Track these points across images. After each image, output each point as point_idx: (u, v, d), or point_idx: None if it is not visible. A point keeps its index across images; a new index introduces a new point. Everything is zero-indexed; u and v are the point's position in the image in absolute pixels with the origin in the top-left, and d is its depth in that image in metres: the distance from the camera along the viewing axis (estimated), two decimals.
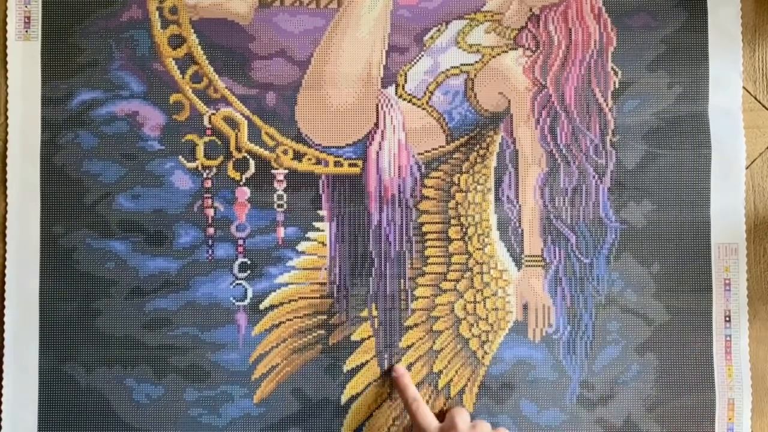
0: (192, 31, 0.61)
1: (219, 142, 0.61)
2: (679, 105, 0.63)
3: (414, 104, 0.62)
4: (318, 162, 0.62)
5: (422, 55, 0.62)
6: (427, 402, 0.62)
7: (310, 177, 0.62)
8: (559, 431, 0.61)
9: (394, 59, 0.62)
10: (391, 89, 0.62)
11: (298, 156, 0.62)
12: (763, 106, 0.64)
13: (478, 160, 0.62)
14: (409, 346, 0.62)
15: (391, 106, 0.62)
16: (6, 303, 0.60)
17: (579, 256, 0.62)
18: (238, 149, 0.61)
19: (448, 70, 0.62)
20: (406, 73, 0.62)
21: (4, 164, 0.60)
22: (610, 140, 0.62)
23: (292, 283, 0.61)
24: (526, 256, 0.62)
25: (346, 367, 0.61)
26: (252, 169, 0.61)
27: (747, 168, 0.63)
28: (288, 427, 0.61)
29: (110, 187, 0.61)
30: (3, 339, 0.60)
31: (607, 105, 0.62)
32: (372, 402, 0.61)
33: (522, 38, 0.63)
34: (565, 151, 0.62)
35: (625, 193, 0.62)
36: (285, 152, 0.62)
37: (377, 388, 0.61)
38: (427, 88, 0.62)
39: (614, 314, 0.62)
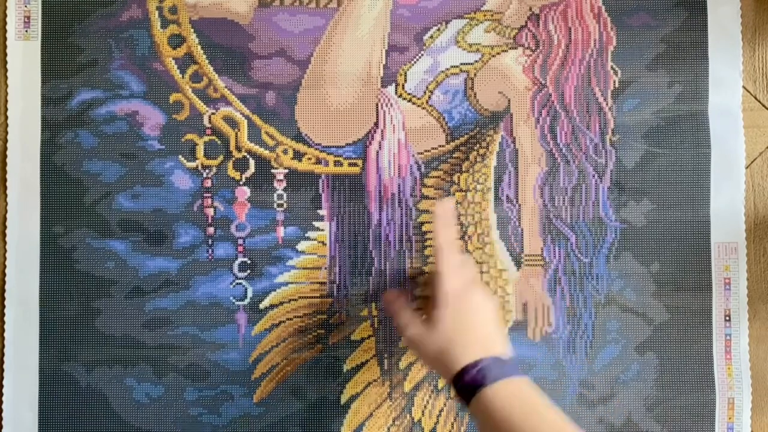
0: (192, 30, 0.61)
1: (219, 142, 0.61)
2: (679, 104, 0.63)
3: (414, 103, 0.62)
4: (318, 161, 0.62)
5: (422, 55, 0.62)
6: (427, 402, 0.62)
7: (310, 176, 0.62)
8: None
9: (394, 59, 0.62)
10: (391, 88, 0.62)
11: (298, 155, 0.62)
12: (763, 105, 0.64)
13: (477, 160, 0.62)
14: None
15: (391, 105, 0.62)
16: (6, 303, 0.60)
17: (579, 255, 0.62)
18: (238, 149, 0.61)
19: (447, 69, 0.62)
20: (405, 73, 0.62)
21: (4, 164, 0.60)
22: (610, 139, 0.62)
23: (292, 283, 0.61)
24: (525, 255, 0.62)
25: (346, 367, 0.61)
26: (252, 169, 0.61)
27: (747, 167, 0.63)
28: (288, 427, 0.61)
29: (110, 187, 0.61)
30: (3, 339, 0.60)
31: (606, 104, 0.62)
32: (372, 402, 0.61)
33: (522, 37, 0.63)
34: (565, 151, 0.62)
35: (625, 192, 0.62)
36: (285, 152, 0.62)
37: (377, 388, 0.61)
38: (426, 88, 0.62)
39: (614, 313, 0.62)
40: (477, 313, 0.53)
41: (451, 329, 0.52)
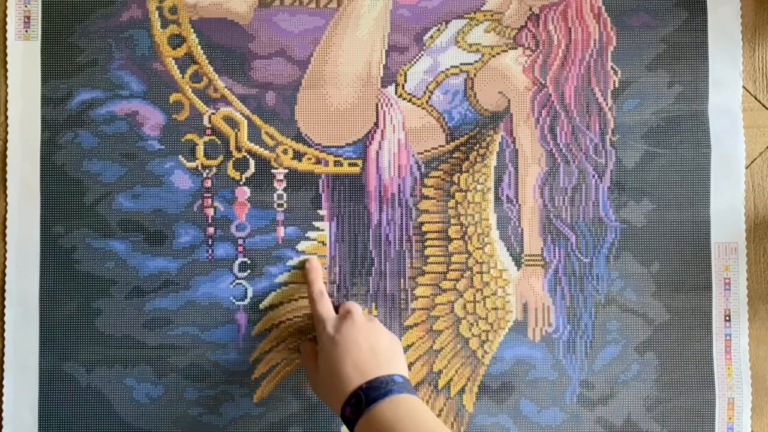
0: (192, 30, 0.61)
1: (219, 142, 0.61)
2: (679, 104, 0.63)
3: (414, 104, 0.62)
4: (318, 161, 0.62)
5: (422, 55, 0.62)
6: (427, 402, 0.62)
7: (310, 176, 0.62)
8: (559, 431, 0.61)
9: (394, 59, 0.62)
10: (391, 89, 0.62)
11: (298, 155, 0.62)
12: (763, 105, 0.64)
13: (478, 160, 0.62)
14: (409, 346, 0.62)
15: (391, 105, 0.62)
16: (6, 303, 0.60)
17: (579, 255, 0.62)
18: (238, 149, 0.61)
19: (447, 69, 0.62)
20: (405, 73, 0.62)
21: (4, 164, 0.60)
22: (610, 139, 0.62)
23: (292, 283, 0.61)
24: (525, 255, 0.62)
25: None
26: (252, 169, 0.61)
27: (747, 167, 0.63)
28: (288, 427, 0.61)
29: (110, 187, 0.61)
30: (3, 339, 0.60)
31: (606, 104, 0.62)
32: None
33: (522, 37, 0.63)
34: (565, 151, 0.62)
35: (625, 192, 0.62)
36: (285, 152, 0.62)
37: None
38: (426, 88, 0.62)
39: (614, 313, 0.62)
40: (352, 347, 0.53)
41: (327, 373, 0.54)
